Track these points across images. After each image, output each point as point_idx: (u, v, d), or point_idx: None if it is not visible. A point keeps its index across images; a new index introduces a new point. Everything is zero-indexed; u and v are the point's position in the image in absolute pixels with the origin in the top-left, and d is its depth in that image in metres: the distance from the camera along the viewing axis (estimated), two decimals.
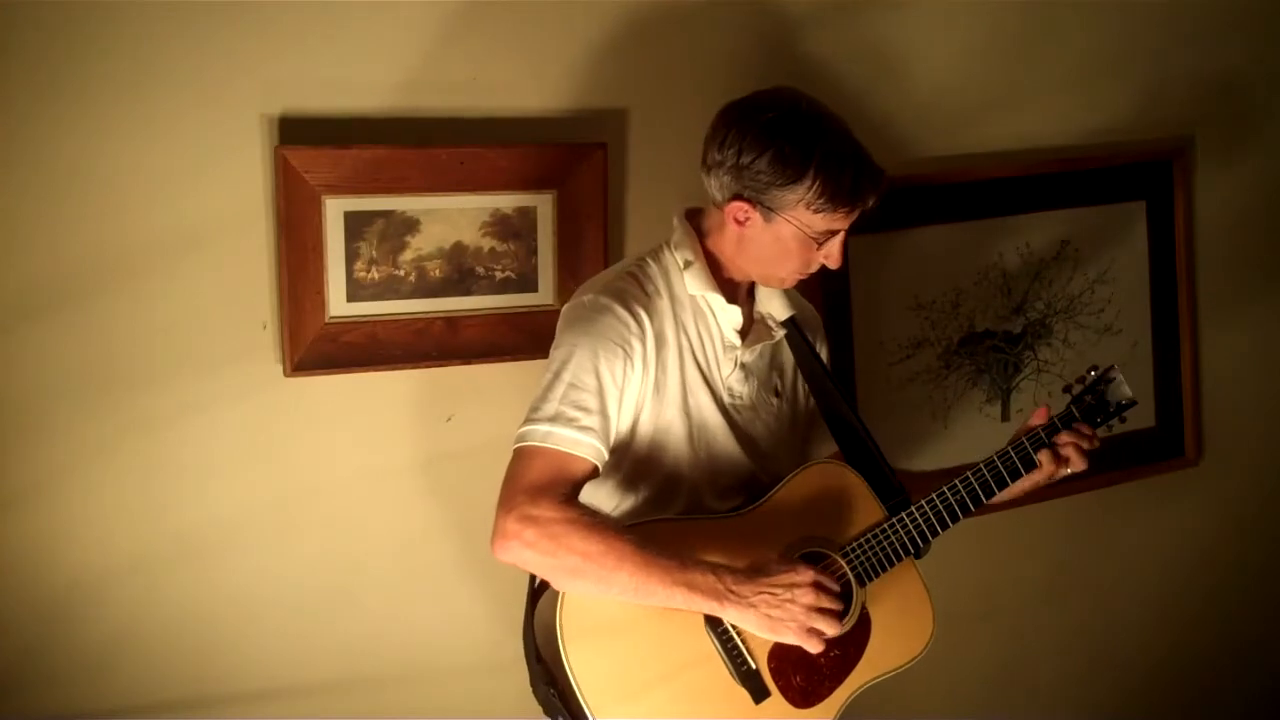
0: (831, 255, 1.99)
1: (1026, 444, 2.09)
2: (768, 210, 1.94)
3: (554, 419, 1.89)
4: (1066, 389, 2.15)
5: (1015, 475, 2.09)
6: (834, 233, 1.96)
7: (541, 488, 1.85)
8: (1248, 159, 3.09)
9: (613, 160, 2.36)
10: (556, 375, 1.92)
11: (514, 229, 2.31)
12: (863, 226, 2.53)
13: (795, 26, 2.52)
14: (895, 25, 2.62)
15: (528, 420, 1.91)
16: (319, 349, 2.19)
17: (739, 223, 1.97)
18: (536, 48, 2.30)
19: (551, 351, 1.96)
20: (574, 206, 2.33)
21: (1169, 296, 2.99)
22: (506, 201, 2.29)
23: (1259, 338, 3.19)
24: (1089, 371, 2.15)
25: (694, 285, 2.02)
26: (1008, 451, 2.09)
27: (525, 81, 2.31)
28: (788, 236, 1.96)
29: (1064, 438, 2.09)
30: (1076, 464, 2.09)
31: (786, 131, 1.91)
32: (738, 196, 1.95)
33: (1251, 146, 3.09)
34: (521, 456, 1.89)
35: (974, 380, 2.81)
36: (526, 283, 2.32)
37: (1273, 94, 3.09)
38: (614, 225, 2.39)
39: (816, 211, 1.92)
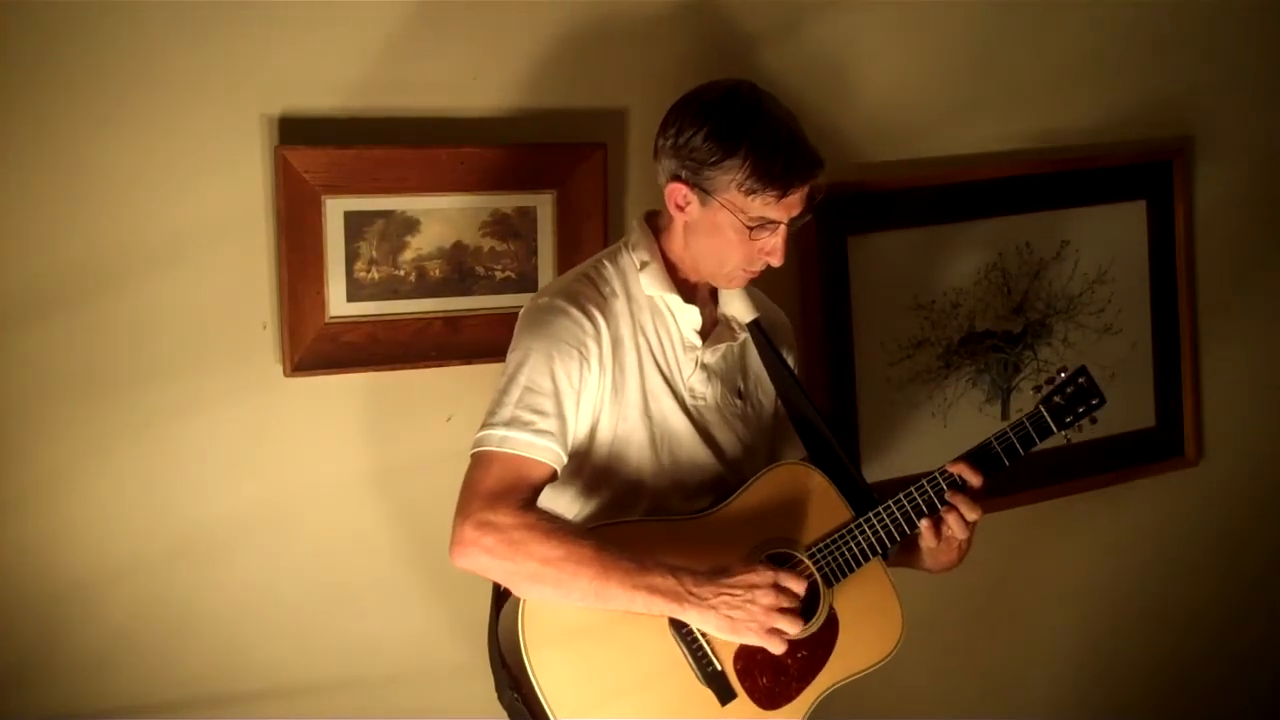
0: (774, 251, 1.96)
1: (1011, 432, 2.07)
2: (704, 193, 1.93)
3: (510, 423, 1.88)
4: (1036, 389, 2.14)
5: (996, 464, 2.07)
6: (769, 221, 1.93)
7: (499, 493, 1.84)
8: (1247, 159, 3.09)
9: (613, 160, 2.36)
10: (512, 379, 1.91)
11: (514, 229, 2.31)
12: (863, 226, 2.53)
13: (799, 23, 2.53)
14: (900, 23, 2.62)
15: (484, 425, 1.90)
16: (319, 349, 2.19)
17: (679, 208, 1.96)
18: (536, 47, 2.30)
19: (508, 355, 1.96)
20: (574, 206, 2.33)
21: (1169, 296, 2.99)
22: (506, 201, 2.29)
23: (1259, 337, 3.19)
24: (1059, 373, 2.14)
25: (650, 285, 2.01)
26: (989, 441, 2.07)
27: (525, 81, 2.31)
28: (724, 225, 1.94)
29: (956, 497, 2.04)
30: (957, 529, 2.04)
31: (723, 111, 1.92)
32: (676, 177, 1.95)
33: (1251, 146, 3.09)
34: (478, 462, 1.88)
35: (974, 380, 2.81)
36: (526, 283, 2.32)
37: (1272, 93, 3.09)
38: (614, 225, 2.39)
39: (748, 193, 1.90)
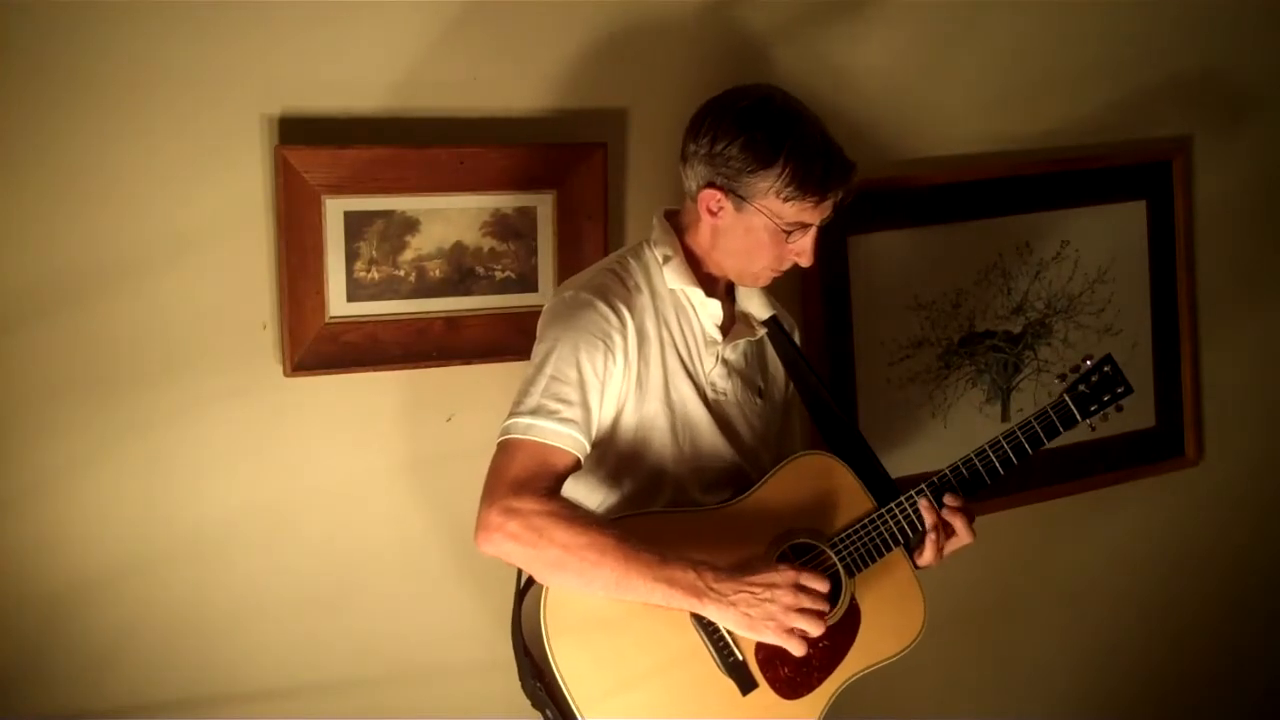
0: (804, 252, 2.01)
1: (1035, 422, 2.09)
2: (739, 199, 1.96)
3: (535, 412, 1.90)
4: (1061, 378, 2.16)
5: (1011, 462, 2.08)
6: (804, 225, 1.98)
7: (524, 481, 1.86)
8: (1247, 159, 3.09)
9: (613, 160, 2.36)
10: (539, 369, 1.94)
11: (514, 229, 2.31)
12: (863, 226, 2.53)
13: (798, 24, 2.53)
14: (900, 24, 2.62)
15: (511, 414, 1.92)
16: (319, 349, 2.19)
17: (711, 213, 2.00)
18: (536, 48, 2.30)
19: (534, 347, 1.98)
20: (574, 206, 2.33)
21: (1169, 296, 2.99)
22: (506, 201, 2.29)
23: (1259, 337, 3.19)
24: (1084, 361, 2.15)
25: (673, 279, 2.03)
26: (1014, 431, 2.10)
27: (525, 81, 2.31)
28: (759, 227, 1.97)
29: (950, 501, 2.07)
30: (962, 535, 2.07)
31: (759, 120, 1.95)
32: (710, 184, 1.98)
33: (1251, 146, 3.09)
34: (504, 450, 1.91)
35: (974, 380, 2.81)
36: (526, 283, 2.33)
37: (1272, 93, 3.09)
38: (614, 225, 2.39)
39: (786, 200, 1.94)
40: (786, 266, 2.04)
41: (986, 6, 2.70)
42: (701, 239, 2.05)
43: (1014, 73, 2.77)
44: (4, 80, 1.97)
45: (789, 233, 1.98)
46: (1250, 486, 3.22)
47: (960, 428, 2.79)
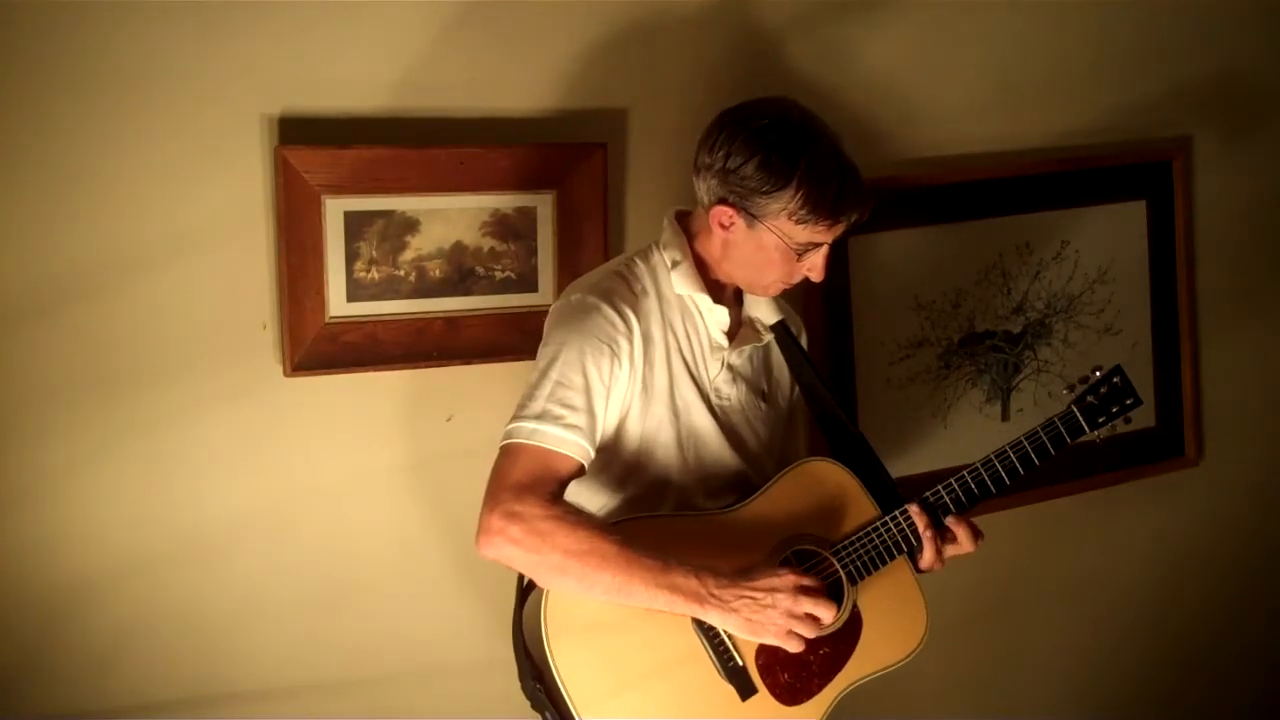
0: (815, 268, 2.00)
1: (1043, 433, 2.09)
2: (751, 217, 1.95)
3: (540, 416, 1.90)
4: (1069, 388, 2.16)
5: (1017, 472, 2.09)
6: (815, 245, 1.98)
7: (527, 485, 1.86)
8: (1247, 159, 3.09)
9: (613, 160, 2.36)
10: (544, 373, 1.93)
11: (514, 229, 2.31)
12: (863, 226, 2.53)
13: (798, 24, 2.53)
14: (900, 24, 2.62)
15: (515, 418, 1.92)
16: (319, 349, 2.19)
17: (723, 227, 1.99)
18: (536, 48, 2.30)
19: (540, 350, 1.98)
20: (574, 206, 2.33)
21: (1169, 296, 2.99)
22: (506, 201, 2.29)
23: (1259, 337, 3.18)
24: (1093, 371, 2.15)
25: (681, 285, 2.03)
26: (1020, 441, 2.10)
27: (525, 81, 2.31)
28: (769, 245, 1.97)
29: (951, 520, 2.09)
30: (965, 543, 2.10)
31: (775, 140, 1.92)
32: (722, 201, 1.96)
33: (1251, 146, 3.09)
34: (508, 454, 1.90)
35: (974, 380, 2.81)
36: (526, 283, 2.33)
37: (1273, 94, 3.09)
38: (614, 225, 2.39)
39: (798, 222, 1.94)
40: (797, 280, 2.03)
41: (987, 7, 2.70)
42: (712, 248, 2.04)
43: (1014, 73, 2.77)
44: (4, 80, 1.97)
45: (801, 252, 1.97)
46: (1250, 486, 3.22)
47: (960, 428, 2.79)
